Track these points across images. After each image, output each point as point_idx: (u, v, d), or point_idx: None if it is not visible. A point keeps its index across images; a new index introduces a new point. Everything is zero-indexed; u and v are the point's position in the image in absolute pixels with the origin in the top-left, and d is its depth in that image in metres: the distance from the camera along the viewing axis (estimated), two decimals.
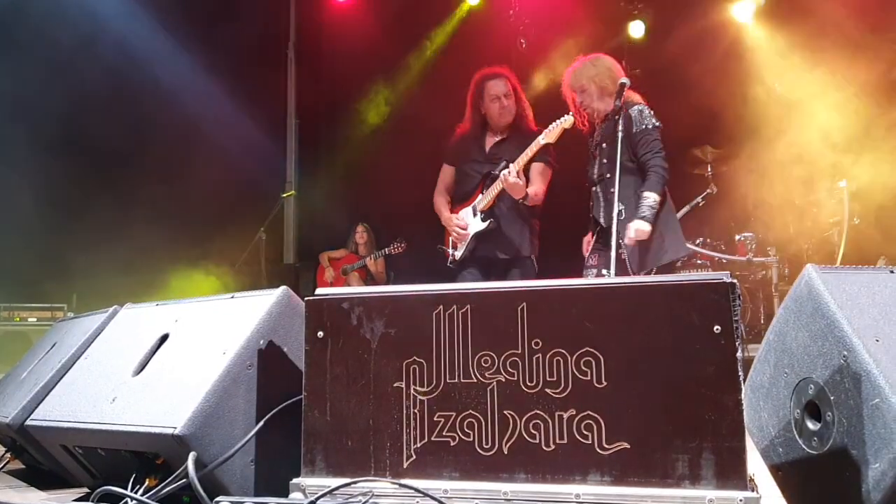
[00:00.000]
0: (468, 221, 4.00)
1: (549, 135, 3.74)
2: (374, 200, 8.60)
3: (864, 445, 1.43)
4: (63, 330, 2.69)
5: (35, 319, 7.06)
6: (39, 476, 2.43)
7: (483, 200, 3.94)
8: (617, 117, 3.58)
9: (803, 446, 1.62)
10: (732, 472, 1.46)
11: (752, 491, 1.46)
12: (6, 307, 6.98)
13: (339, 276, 7.66)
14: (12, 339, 6.88)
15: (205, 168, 8.10)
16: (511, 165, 3.74)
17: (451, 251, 4.12)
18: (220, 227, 7.81)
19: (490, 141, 4.12)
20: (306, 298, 1.74)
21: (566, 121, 3.70)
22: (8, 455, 2.35)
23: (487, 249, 3.97)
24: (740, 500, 1.43)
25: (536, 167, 3.94)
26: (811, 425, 1.60)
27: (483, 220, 3.94)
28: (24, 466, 2.64)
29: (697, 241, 6.11)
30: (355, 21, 9.34)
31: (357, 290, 1.75)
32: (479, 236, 3.97)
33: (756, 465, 1.63)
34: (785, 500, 1.74)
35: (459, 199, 4.14)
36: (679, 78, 6.59)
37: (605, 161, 3.66)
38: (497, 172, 3.87)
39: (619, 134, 3.56)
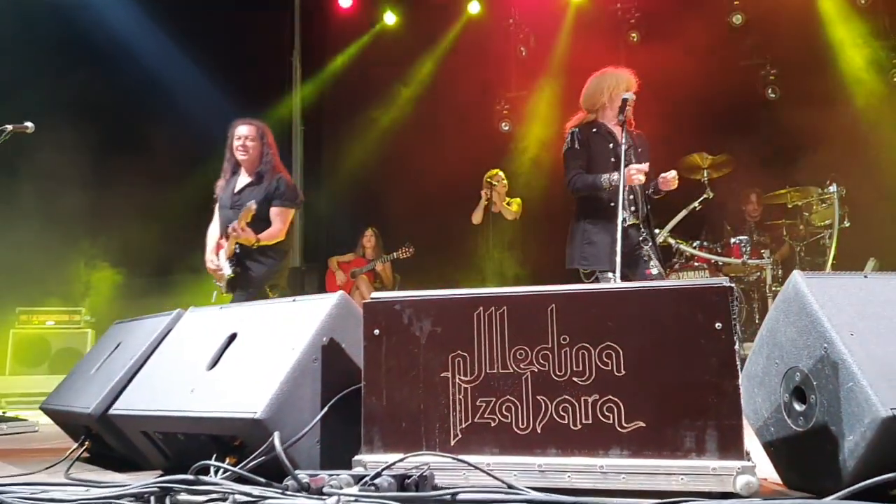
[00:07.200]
0: (223, 264, 4.32)
1: (245, 217, 4.11)
2: (378, 205, 8.86)
3: (840, 422, 1.72)
4: (124, 331, 2.97)
5: (53, 322, 7.26)
6: (108, 462, 2.70)
7: (227, 248, 4.30)
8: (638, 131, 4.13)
9: (791, 425, 1.91)
10: (732, 446, 1.74)
11: (748, 461, 1.74)
12: (25, 311, 7.18)
13: (349, 280, 7.92)
14: (31, 342, 7.09)
15: (212, 174, 8.36)
16: (234, 223, 4.13)
17: (219, 285, 4.41)
18: None
19: (240, 185, 4.46)
20: (364, 301, 2.02)
21: (251, 207, 4.11)
22: (87, 442, 2.61)
23: (241, 282, 4.28)
24: (738, 469, 1.71)
25: (274, 210, 4.32)
26: (798, 407, 1.89)
27: (230, 265, 4.27)
28: (88, 456, 2.90)
29: (695, 244, 6.39)
30: (359, 28, 9.60)
31: (407, 294, 2.03)
32: (234, 275, 4.28)
33: (751, 442, 1.91)
34: (776, 471, 2.03)
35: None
36: (677, 85, 6.86)
37: (643, 164, 4.00)
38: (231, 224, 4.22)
39: (623, 146, 3.89)
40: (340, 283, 7.90)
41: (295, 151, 10.12)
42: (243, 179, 4.46)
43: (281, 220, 4.34)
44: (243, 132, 4.45)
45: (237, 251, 4.27)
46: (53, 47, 7.32)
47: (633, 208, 3.97)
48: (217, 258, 4.37)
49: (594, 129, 4.09)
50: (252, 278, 4.27)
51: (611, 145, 4.01)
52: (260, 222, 4.25)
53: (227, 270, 4.26)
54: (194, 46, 8.08)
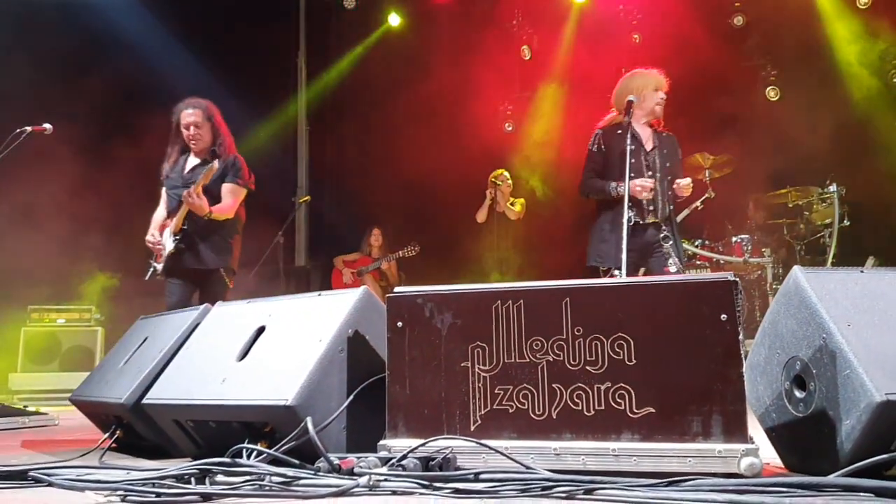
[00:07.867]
0: (165, 241, 4.29)
1: (207, 176, 4.08)
2: (383, 205, 8.96)
3: (838, 407, 1.84)
4: (150, 326, 3.09)
5: (64, 321, 7.35)
6: (138, 451, 2.81)
7: (174, 222, 4.25)
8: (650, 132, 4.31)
9: (792, 411, 2.03)
10: (736, 430, 1.85)
11: (752, 444, 1.86)
12: (36, 309, 7.27)
13: (355, 279, 8.03)
14: (42, 339, 7.18)
15: None
16: (192, 187, 4.10)
17: (154, 264, 4.38)
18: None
19: (190, 164, 4.41)
20: (388, 295, 2.14)
21: (213, 165, 4.11)
22: (118, 431, 2.72)
23: (185, 262, 4.26)
24: (742, 451, 1.82)
25: (227, 187, 4.28)
26: (798, 394, 2.01)
27: (174, 240, 4.21)
28: (116, 446, 3.01)
29: (697, 243, 6.51)
30: (364, 30, 9.71)
31: (429, 288, 2.14)
32: (177, 252, 4.23)
33: (754, 428, 2.02)
34: (778, 455, 2.15)
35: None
36: (679, 86, 6.95)
37: (668, 165, 4.24)
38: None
39: (629, 147, 4.01)
40: (347, 282, 8.01)
41: (300, 151, 10.23)
42: (195, 160, 4.39)
43: (233, 196, 4.26)
44: (190, 119, 4.31)
45: (185, 227, 4.21)
46: (55, 49, 7.40)
47: (651, 207, 4.15)
48: (159, 235, 4.30)
49: (619, 131, 4.21)
50: (203, 262, 4.23)
51: (633, 147, 4.14)
52: (212, 200, 4.19)
53: (170, 245, 4.18)
54: (200, 48, 8.15)
